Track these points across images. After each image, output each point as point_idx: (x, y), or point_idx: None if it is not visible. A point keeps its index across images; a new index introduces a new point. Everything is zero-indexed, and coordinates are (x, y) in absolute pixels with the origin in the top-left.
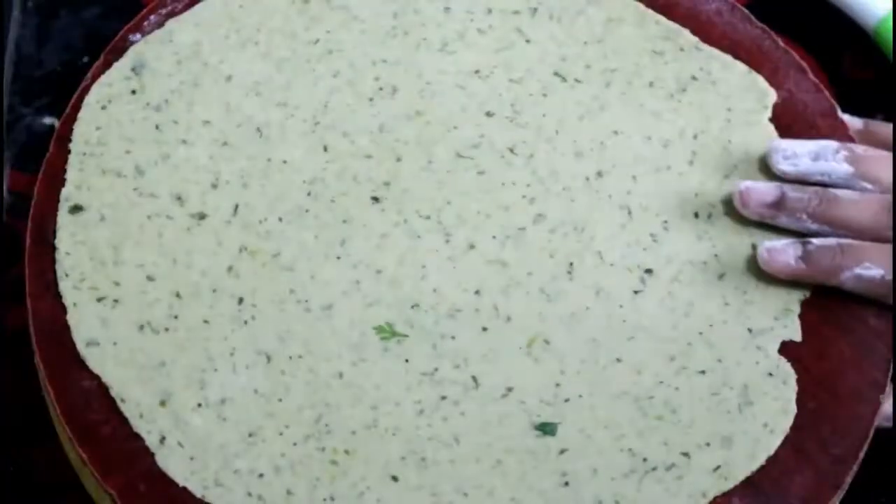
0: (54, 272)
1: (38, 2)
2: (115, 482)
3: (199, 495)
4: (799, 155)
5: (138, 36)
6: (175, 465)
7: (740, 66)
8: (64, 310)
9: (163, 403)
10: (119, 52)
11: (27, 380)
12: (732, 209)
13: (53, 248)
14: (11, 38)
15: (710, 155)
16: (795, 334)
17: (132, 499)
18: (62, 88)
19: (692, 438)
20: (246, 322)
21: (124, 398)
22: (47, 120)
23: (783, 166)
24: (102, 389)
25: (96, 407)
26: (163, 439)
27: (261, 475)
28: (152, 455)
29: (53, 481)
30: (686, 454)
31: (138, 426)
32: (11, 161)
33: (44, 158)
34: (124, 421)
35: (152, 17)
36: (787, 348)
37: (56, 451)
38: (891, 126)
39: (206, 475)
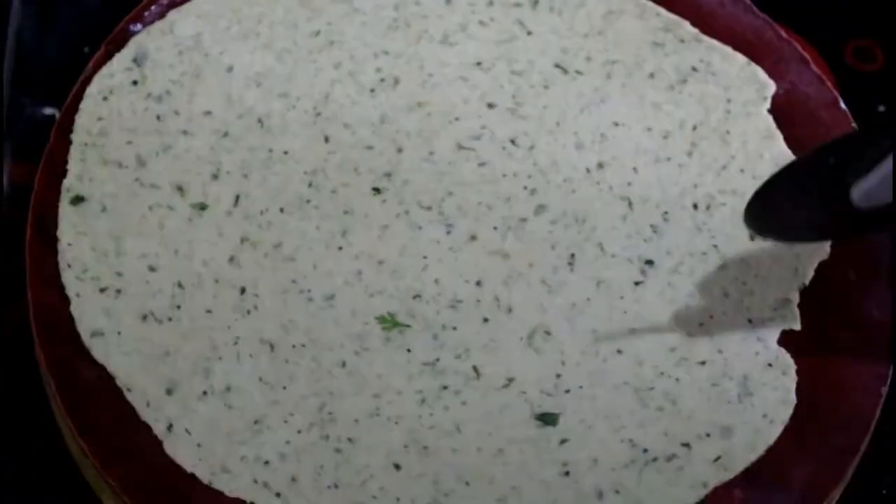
0: (55, 263)
1: None
2: (116, 473)
3: (206, 481)
4: None
5: (139, 26)
6: (183, 452)
7: (740, 58)
8: (64, 301)
9: (169, 392)
10: (120, 43)
11: (27, 376)
12: (731, 200)
13: (55, 239)
14: (12, 29)
15: (709, 146)
16: (795, 324)
17: (132, 489)
18: (63, 79)
19: (692, 429)
20: (248, 312)
21: (130, 388)
22: (48, 110)
23: None
24: (103, 380)
25: (97, 398)
26: (170, 427)
27: (266, 462)
28: (153, 446)
29: (53, 480)
30: (686, 445)
31: (145, 415)
32: (12, 152)
33: (45, 149)
34: (125, 412)
35: (153, 7)
36: (787, 338)
37: (56, 449)
38: None
39: (214, 462)
